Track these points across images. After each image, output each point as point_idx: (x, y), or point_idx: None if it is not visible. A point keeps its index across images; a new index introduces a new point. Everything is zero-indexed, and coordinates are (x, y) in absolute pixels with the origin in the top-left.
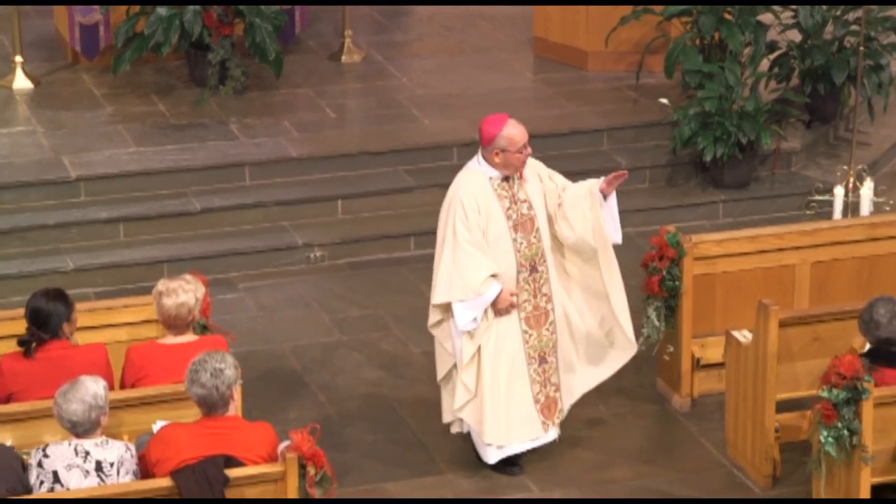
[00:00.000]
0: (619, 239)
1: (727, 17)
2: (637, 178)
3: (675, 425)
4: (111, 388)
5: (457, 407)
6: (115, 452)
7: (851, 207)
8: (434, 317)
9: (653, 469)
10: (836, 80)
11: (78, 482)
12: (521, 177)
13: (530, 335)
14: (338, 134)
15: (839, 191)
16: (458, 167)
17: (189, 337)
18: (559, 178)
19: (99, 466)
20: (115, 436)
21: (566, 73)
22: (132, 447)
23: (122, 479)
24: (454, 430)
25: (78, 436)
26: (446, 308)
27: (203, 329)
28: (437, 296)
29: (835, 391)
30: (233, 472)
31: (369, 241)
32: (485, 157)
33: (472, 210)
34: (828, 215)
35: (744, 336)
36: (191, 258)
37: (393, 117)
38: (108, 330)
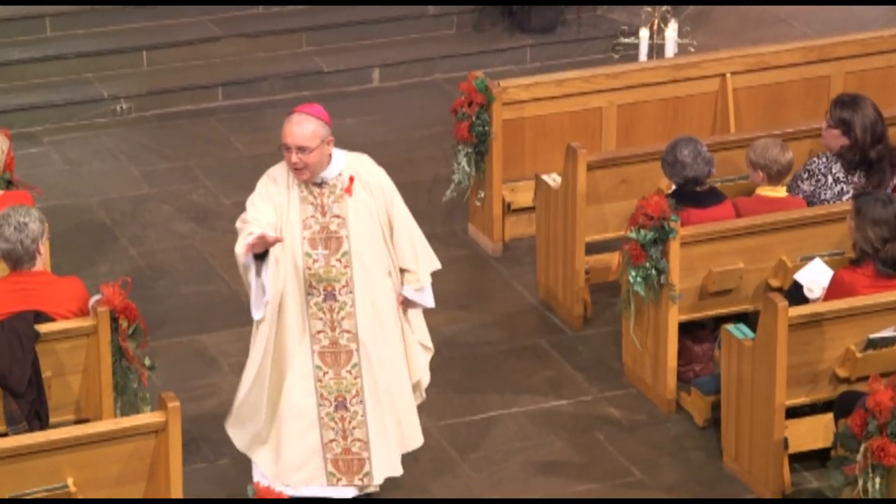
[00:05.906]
0: (430, 304)
1: None
2: (444, 24)
3: (487, 270)
4: None
5: (236, 402)
6: None
7: (656, 49)
8: None
9: (467, 314)
10: None
11: None
12: (348, 189)
13: (325, 373)
14: None
15: (644, 33)
16: (265, 16)
17: None
18: (399, 224)
19: None
20: None
21: None
22: None
23: None
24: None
25: None
26: None
27: (8, 184)
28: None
29: (642, 231)
30: (43, 328)
31: (176, 91)
32: None
33: (262, 196)
34: (633, 58)
35: (553, 180)
36: None
37: None
38: None
